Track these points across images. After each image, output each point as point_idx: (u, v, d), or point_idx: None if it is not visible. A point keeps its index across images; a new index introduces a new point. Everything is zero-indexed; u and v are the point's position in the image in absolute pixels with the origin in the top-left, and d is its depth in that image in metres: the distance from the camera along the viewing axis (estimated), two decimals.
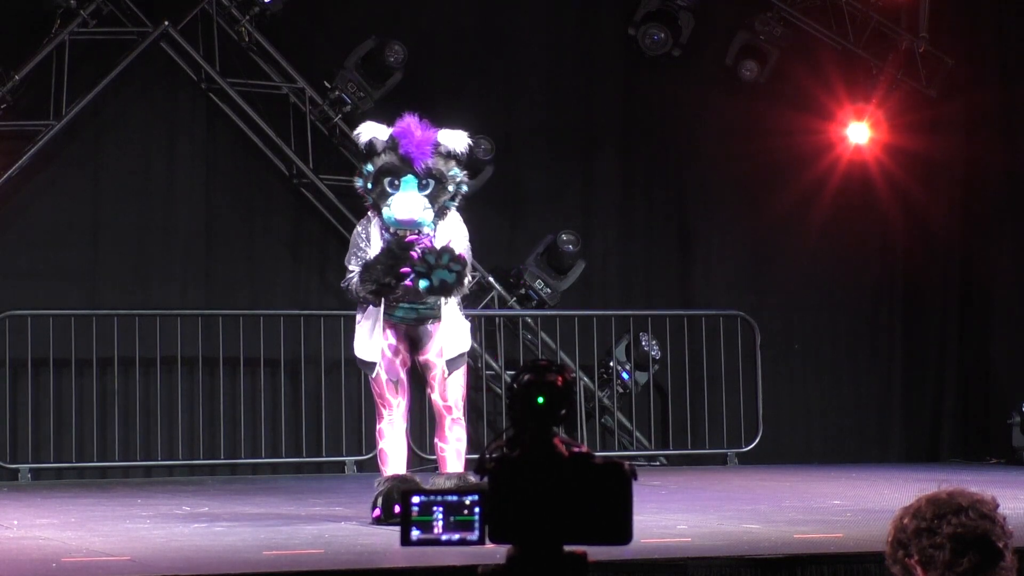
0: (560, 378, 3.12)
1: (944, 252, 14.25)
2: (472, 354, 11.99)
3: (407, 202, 7.97)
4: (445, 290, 7.90)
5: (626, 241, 13.75)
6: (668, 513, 8.46)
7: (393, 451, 8.21)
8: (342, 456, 12.53)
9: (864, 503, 9.20)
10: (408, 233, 7.99)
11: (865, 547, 6.59)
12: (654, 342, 13.28)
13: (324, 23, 13.01)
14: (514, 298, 13.10)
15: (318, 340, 12.47)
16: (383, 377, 8.19)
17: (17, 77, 11.97)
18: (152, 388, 12.23)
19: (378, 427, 8.30)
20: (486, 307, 13.02)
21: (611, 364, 13.18)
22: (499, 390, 12.92)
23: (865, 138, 13.89)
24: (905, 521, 3.37)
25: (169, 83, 12.70)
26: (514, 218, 13.48)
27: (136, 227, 12.51)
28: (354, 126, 12.61)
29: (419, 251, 7.88)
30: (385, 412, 8.24)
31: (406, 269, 7.90)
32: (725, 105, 13.74)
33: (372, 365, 8.20)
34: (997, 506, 3.37)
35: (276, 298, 12.76)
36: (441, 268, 7.83)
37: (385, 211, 8.01)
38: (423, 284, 7.86)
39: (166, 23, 12.41)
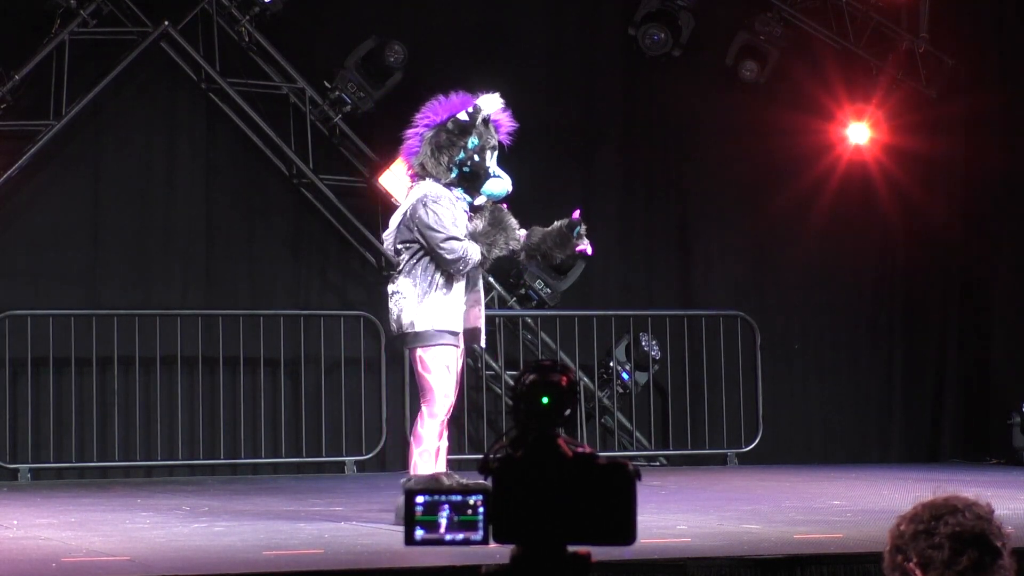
0: (564, 378, 3.12)
1: (944, 252, 14.24)
2: (472, 354, 12.03)
3: (506, 175, 8.30)
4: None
5: (626, 241, 13.74)
6: (668, 513, 8.46)
7: (438, 451, 7.96)
8: (342, 456, 12.52)
9: (864, 503, 9.20)
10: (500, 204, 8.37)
11: (865, 547, 6.59)
12: (654, 342, 13.27)
13: (324, 23, 13.00)
14: (514, 298, 13.10)
15: (318, 340, 12.47)
16: (452, 379, 8.04)
17: (17, 77, 11.96)
18: (152, 388, 12.23)
19: (426, 422, 7.90)
20: (486, 307, 12.98)
21: (611, 364, 13.18)
22: (499, 390, 12.92)
23: (865, 138, 13.89)
24: (902, 527, 3.40)
25: (169, 83, 12.69)
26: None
27: (136, 227, 12.51)
28: (354, 126, 12.81)
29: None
30: (440, 412, 7.91)
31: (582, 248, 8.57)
32: (725, 105, 13.73)
33: (456, 336, 8.21)
34: (992, 511, 3.40)
35: (276, 298, 12.75)
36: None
37: (489, 184, 8.23)
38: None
39: (166, 23, 12.40)
